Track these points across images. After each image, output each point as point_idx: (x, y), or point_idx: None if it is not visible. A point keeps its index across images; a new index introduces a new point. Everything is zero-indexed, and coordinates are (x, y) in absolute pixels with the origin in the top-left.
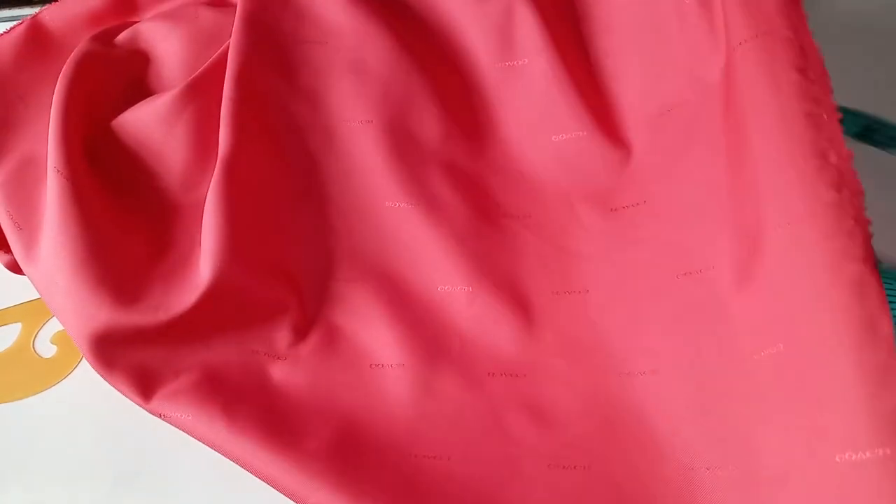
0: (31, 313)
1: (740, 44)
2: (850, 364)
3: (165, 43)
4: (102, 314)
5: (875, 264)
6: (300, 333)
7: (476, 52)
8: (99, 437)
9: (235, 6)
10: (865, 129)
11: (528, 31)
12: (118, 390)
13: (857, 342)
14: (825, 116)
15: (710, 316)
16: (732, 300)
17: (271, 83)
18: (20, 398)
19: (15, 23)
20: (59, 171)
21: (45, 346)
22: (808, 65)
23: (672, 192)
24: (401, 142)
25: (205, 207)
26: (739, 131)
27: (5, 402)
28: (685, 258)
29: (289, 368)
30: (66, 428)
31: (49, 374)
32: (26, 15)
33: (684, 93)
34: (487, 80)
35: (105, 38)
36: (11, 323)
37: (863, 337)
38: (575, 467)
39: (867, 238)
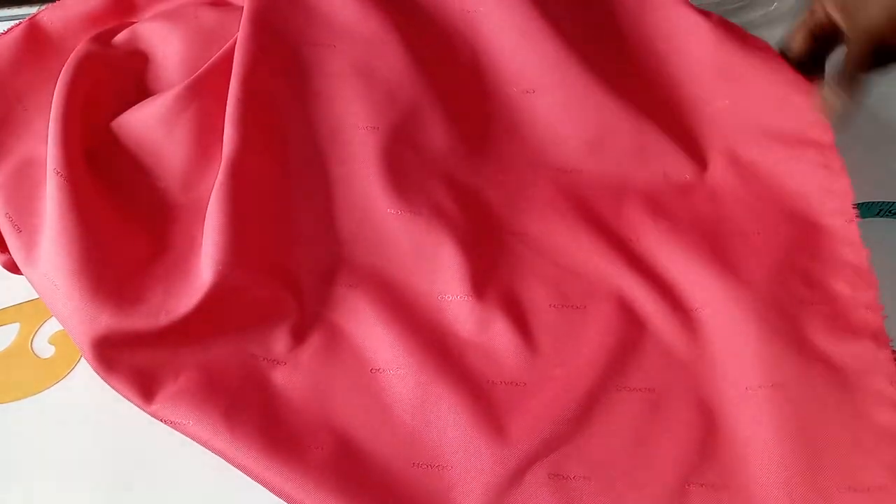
0: (29, 313)
1: None
2: None
3: (165, 43)
4: (103, 318)
5: None
6: (299, 337)
7: (497, 70)
8: (97, 438)
9: (235, 6)
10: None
11: (550, 59)
12: (119, 393)
13: None
14: None
15: None
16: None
17: (278, 84)
18: (18, 398)
19: (15, 23)
20: (58, 172)
21: (44, 347)
22: None
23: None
24: (404, 150)
25: (208, 207)
26: None
27: (4, 403)
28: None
29: (289, 373)
30: (65, 428)
31: (47, 374)
32: (26, 15)
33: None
34: (501, 100)
35: (104, 39)
36: (9, 323)
37: None
38: (575, 477)
39: None
